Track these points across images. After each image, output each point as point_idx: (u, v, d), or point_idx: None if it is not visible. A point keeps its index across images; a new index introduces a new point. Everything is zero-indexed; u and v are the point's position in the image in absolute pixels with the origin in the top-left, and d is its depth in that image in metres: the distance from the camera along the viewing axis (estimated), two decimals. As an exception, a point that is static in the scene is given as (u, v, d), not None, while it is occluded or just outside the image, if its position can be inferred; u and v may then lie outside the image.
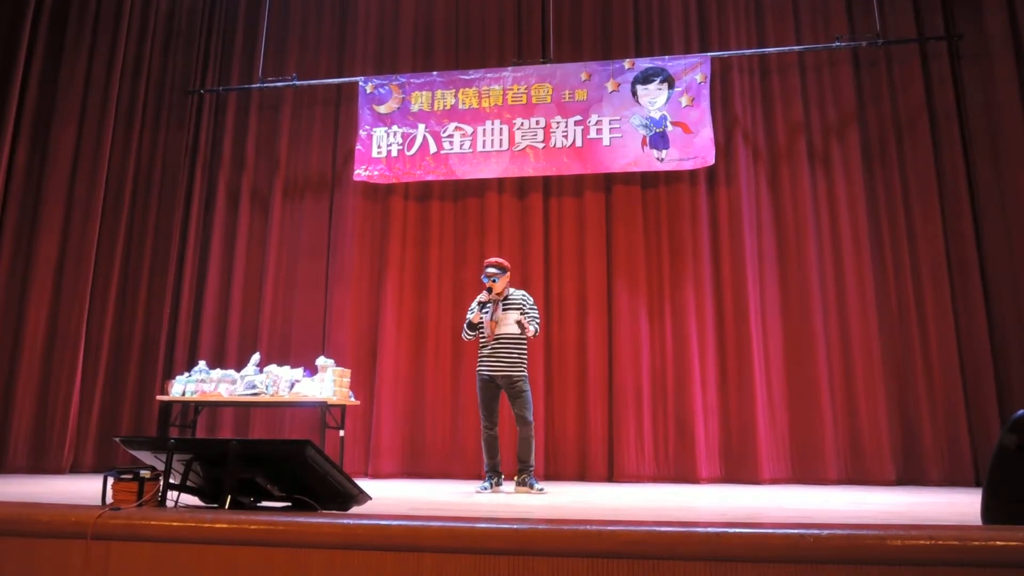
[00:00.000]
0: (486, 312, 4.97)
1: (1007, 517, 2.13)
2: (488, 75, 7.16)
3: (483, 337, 4.98)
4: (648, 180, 6.95)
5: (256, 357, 6.33)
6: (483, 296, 4.97)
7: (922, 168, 6.51)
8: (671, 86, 6.80)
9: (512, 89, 7.07)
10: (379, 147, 7.18)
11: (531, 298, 5.12)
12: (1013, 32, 6.15)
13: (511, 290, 5.07)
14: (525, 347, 4.99)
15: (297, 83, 7.47)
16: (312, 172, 7.53)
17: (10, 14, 6.64)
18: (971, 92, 6.51)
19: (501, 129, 7.01)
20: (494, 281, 4.96)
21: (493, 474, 4.88)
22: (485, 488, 4.79)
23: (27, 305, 6.47)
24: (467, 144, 7.04)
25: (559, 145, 6.88)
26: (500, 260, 5.09)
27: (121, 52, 7.13)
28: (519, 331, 4.93)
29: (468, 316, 5.05)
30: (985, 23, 6.33)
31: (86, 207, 6.79)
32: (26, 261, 6.57)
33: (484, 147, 7.00)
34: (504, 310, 4.97)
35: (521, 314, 4.93)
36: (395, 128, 7.19)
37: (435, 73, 7.29)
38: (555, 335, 6.74)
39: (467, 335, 5.07)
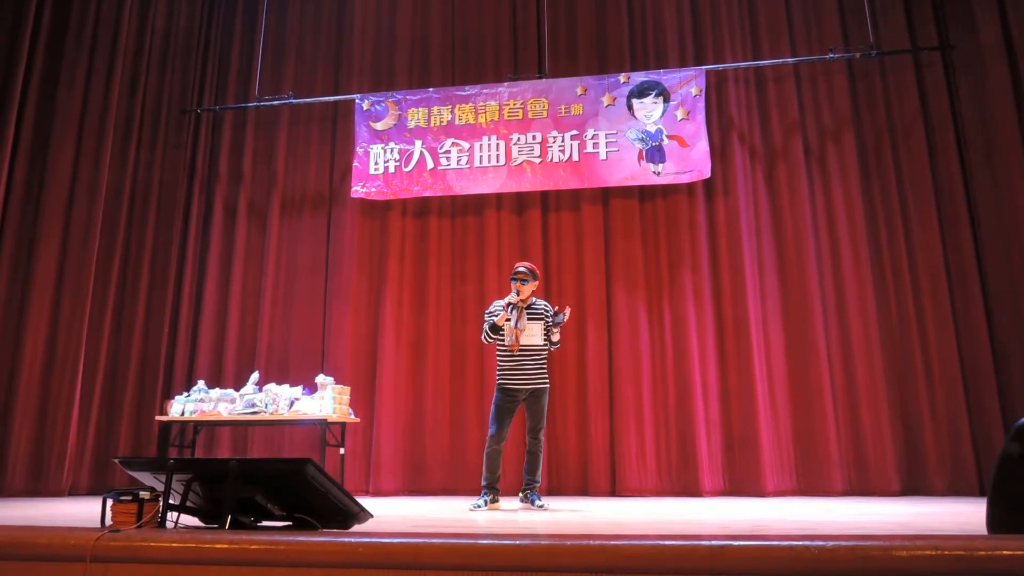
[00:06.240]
0: (511, 319, 4.74)
1: (1012, 526, 2.11)
2: (484, 91, 7.19)
3: (504, 345, 4.76)
4: (646, 192, 6.96)
5: (255, 376, 6.31)
6: (512, 297, 4.72)
7: (919, 177, 6.54)
8: (666, 99, 6.83)
9: (508, 104, 7.10)
10: (376, 164, 7.20)
11: (552, 308, 4.91)
12: (1006, 41, 6.19)
13: (534, 299, 4.88)
14: (547, 358, 4.86)
15: (293, 101, 7.50)
16: (310, 189, 7.55)
17: (8, 34, 6.68)
18: (965, 101, 6.54)
19: (498, 145, 7.03)
20: (522, 284, 4.76)
21: (491, 491, 4.66)
22: (479, 506, 4.59)
23: (25, 325, 6.45)
24: (464, 160, 7.06)
25: (556, 160, 6.89)
26: (531, 264, 4.91)
27: (118, 72, 7.16)
28: (542, 343, 4.78)
29: (489, 318, 4.82)
30: (978, 33, 6.37)
31: (84, 226, 6.79)
32: (24, 281, 6.56)
33: (481, 163, 7.02)
34: (528, 320, 4.77)
35: (545, 325, 4.80)
36: (392, 145, 7.22)
37: (431, 89, 7.32)
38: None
39: (489, 338, 4.77)
